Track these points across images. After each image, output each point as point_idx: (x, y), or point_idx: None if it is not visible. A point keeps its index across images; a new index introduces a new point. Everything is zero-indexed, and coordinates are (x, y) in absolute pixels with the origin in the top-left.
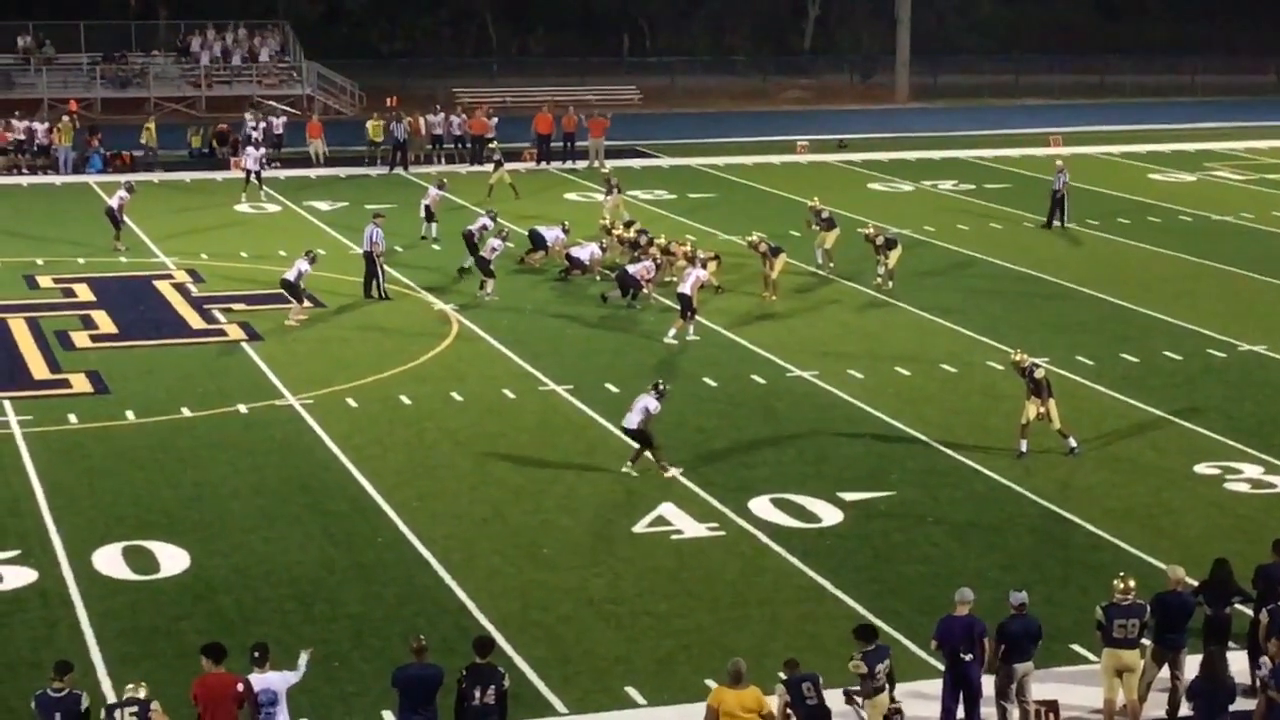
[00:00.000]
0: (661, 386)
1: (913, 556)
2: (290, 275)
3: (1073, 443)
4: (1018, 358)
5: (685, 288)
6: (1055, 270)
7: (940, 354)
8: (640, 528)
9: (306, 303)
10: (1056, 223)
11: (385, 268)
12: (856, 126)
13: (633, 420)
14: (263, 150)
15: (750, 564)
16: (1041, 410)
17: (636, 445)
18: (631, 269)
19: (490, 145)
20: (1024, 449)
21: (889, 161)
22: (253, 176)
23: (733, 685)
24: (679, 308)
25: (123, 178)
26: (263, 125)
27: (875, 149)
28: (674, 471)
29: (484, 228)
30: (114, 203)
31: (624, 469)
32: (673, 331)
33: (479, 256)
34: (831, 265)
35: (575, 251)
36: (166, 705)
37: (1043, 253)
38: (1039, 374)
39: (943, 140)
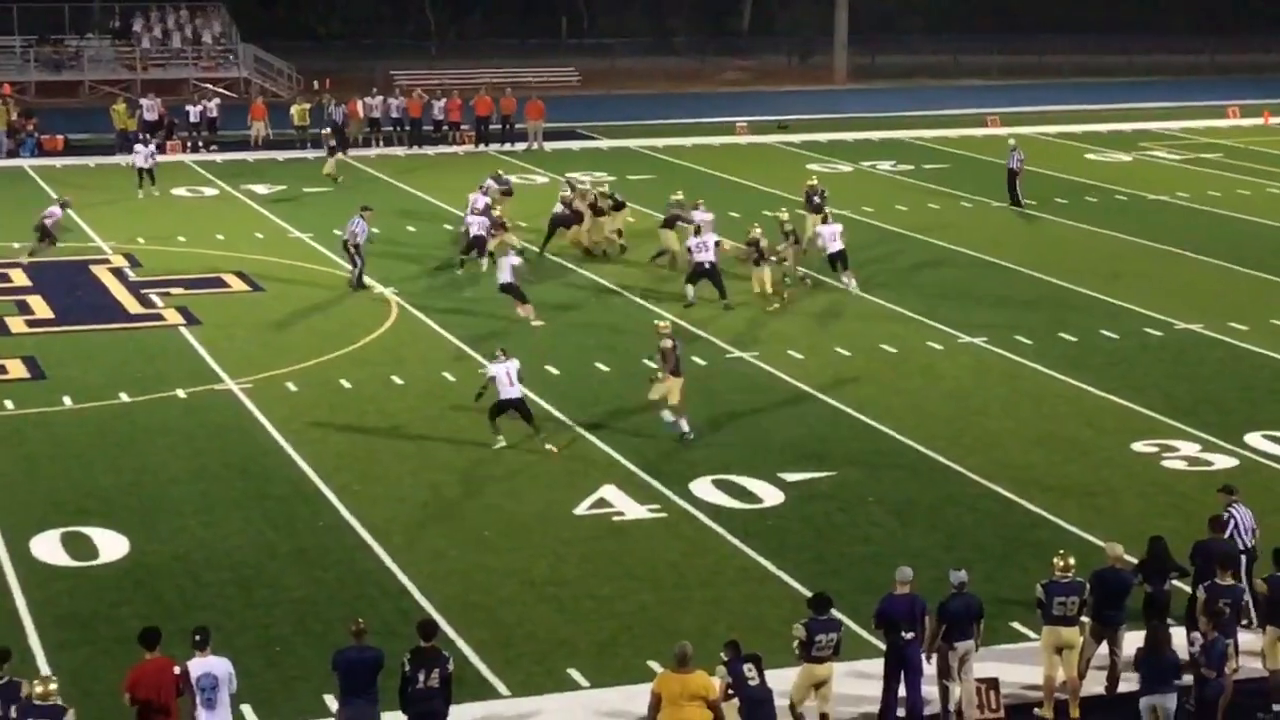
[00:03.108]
0: (498, 351)
1: (854, 536)
2: (505, 277)
3: (684, 426)
4: (663, 333)
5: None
6: (994, 250)
7: (880, 335)
8: (582, 510)
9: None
10: (1026, 200)
11: (359, 258)
12: (795, 107)
13: (518, 390)
14: (152, 146)
15: (692, 545)
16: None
17: (524, 418)
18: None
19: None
20: (686, 429)
21: (828, 142)
22: (144, 174)
23: (679, 669)
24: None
25: (58, 161)
26: (199, 109)
27: (814, 130)
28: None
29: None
30: (47, 220)
31: (547, 447)
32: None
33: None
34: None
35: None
36: (106, 693)
37: (981, 233)
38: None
39: (881, 121)
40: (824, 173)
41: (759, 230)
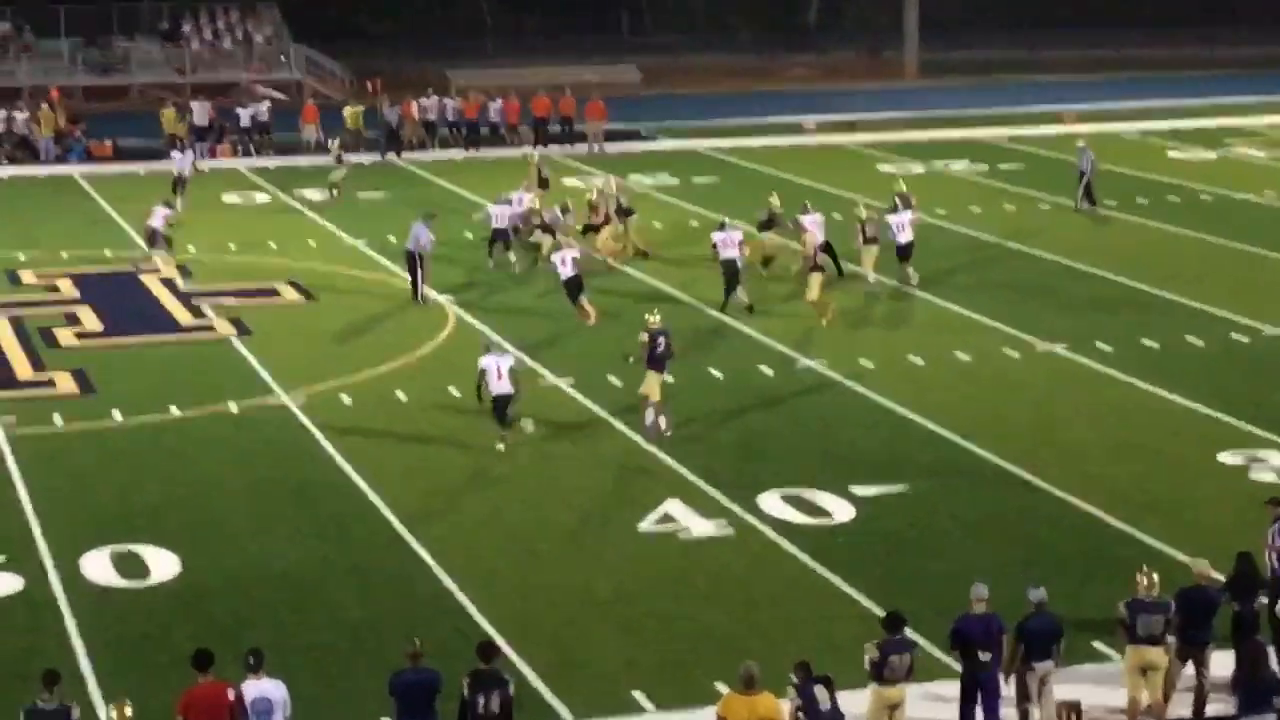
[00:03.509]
0: (489, 343)
1: (928, 553)
2: (567, 272)
3: (661, 424)
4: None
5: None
6: (1072, 253)
7: (954, 342)
8: (646, 526)
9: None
10: (1086, 204)
11: (422, 269)
12: (865, 105)
13: (507, 385)
14: (190, 154)
15: (760, 562)
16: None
17: (499, 416)
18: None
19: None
20: (663, 427)
21: (899, 142)
22: (179, 184)
23: (744, 691)
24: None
25: (106, 168)
26: (250, 112)
27: (885, 129)
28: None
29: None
30: (156, 223)
31: (498, 446)
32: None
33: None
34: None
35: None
36: (158, 718)
37: (1059, 235)
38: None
39: (955, 119)
40: (895, 174)
41: (866, 211)
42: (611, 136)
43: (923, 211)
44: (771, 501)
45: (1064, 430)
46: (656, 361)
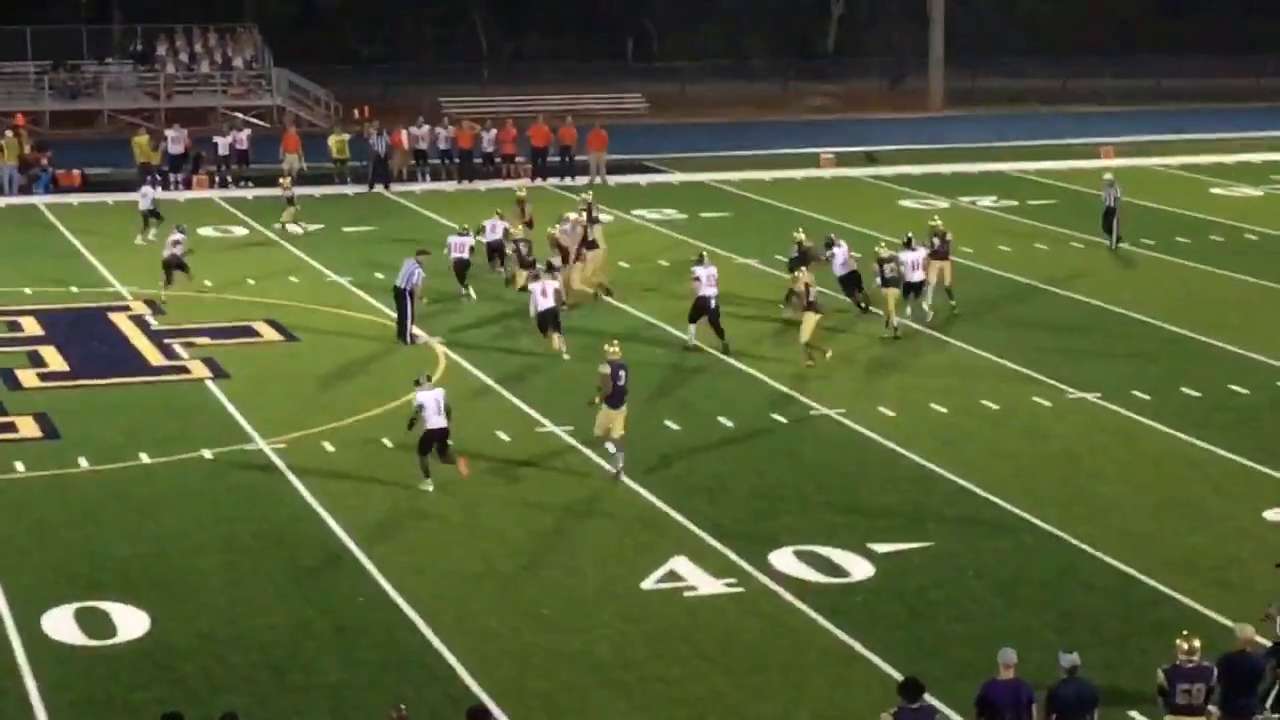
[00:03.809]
0: (420, 377)
1: (952, 614)
2: (542, 304)
3: (619, 462)
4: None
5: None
6: (1108, 295)
7: (980, 390)
8: (650, 584)
9: None
10: (1110, 239)
11: (411, 308)
12: (886, 137)
13: (443, 420)
14: (157, 186)
15: (772, 624)
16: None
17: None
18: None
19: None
20: (619, 465)
21: (922, 175)
22: (148, 218)
23: None
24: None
25: (74, 198)
26: (229, 140)
27: (907, 161)
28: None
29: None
30: (174, 251)
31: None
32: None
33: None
34: (951, 304)
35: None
36: None
37: (1093, 276)
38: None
39: (981, 151)
40: (919, 209)
41: (888, 252)
42: (615, 168)
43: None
44: (784, 559)
45: (1098, 484)
46: (617, 396)
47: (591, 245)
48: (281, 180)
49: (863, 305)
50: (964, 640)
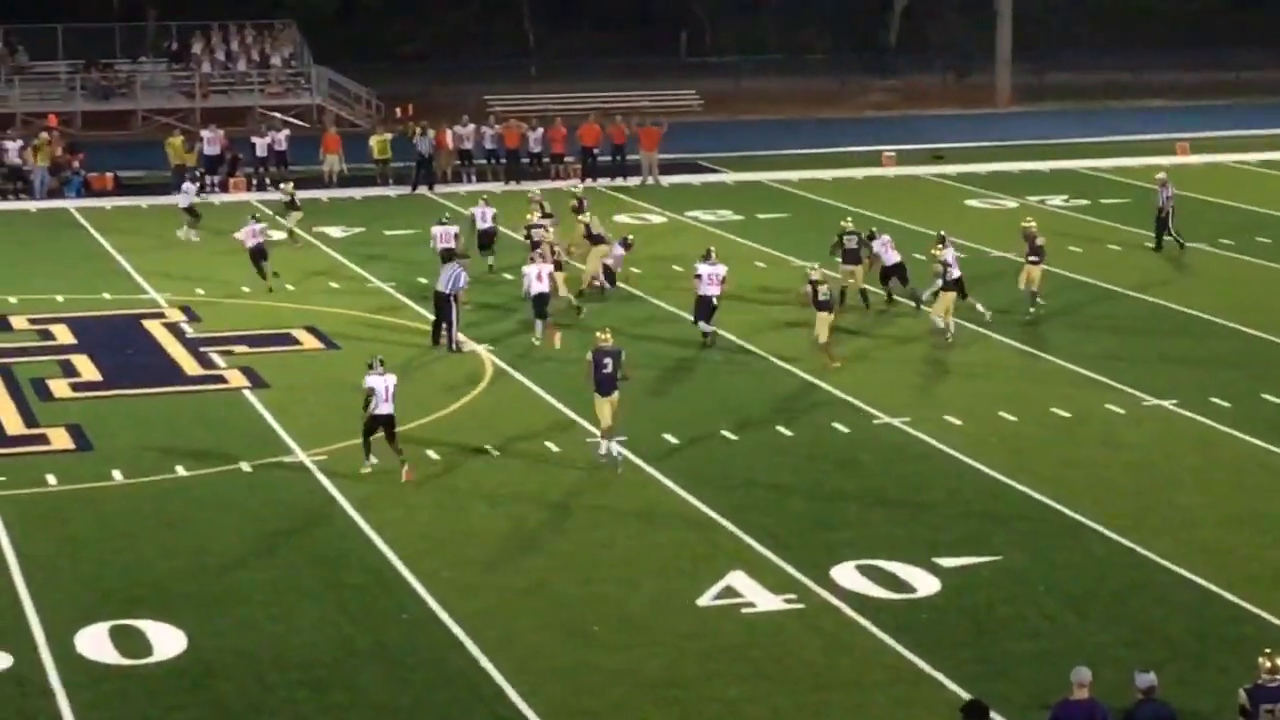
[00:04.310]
0: (374, 360)
1: (1022, 631)
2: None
3: (613, 450)
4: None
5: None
6: (1184, 299)
7: (1051, 397)
8: (706, 600)
9: None
10: (1169, 239)
11: (456, 315)
12: (951, 134)
13: (390, 407)
14: (197, 184)
15: (833, 641)
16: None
17: (388, 437)
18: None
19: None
20: (615, 454)
21: (989, 174)
22: (189, 213)
23: None
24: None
25: (106, 202)
26: (266, 140)
27: (973, 160)
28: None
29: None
30: (259, 240)
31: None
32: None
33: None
34: (1037, 305)
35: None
36: None
37: (1170, 279)
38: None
39: (1051, 149)
40: (985, 209)
41: (947, 254)
42: (667, 168)
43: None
44: (846, 573)
45: (1175, 494)
46: (603, 384)
47: (598, 240)
48: (283, 185)
49: (917, 301)
50: (1034, 658)
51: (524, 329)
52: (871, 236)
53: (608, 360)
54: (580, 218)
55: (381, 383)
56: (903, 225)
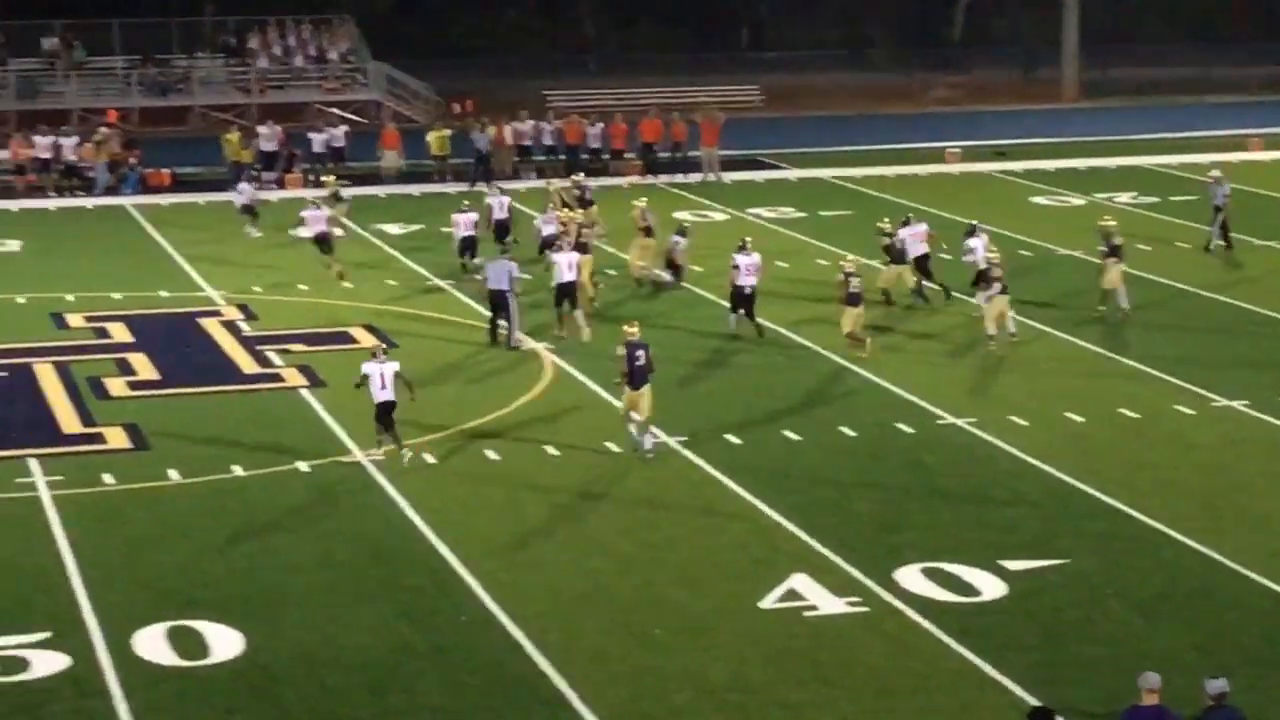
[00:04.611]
0: (376, 349)
1: (1090, 636)
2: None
3: (646, 442)
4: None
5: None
6: (1257, 297)
7: (1118, 397)
8: (768, 603)
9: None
10: (1220, 241)
11: (518, 311)
12: (1017, 130)
13: (389, 393)
14: (253, 183)
15: (898, 645)
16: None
17: (383, 425)
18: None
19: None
20: (648, 446)
21: (1055, 171)
22: (247, 211)
23: None
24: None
25: (163, 199)
26: (324, 136)
27: (1039, 156)
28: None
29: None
30: (323, 228)
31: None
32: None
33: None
34: (1124, 308)
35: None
36: None
37: (1241, 277)
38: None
39: (1119, 145)
40: (1051, 206)
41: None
42: (729, 164)
43: (1079, 249)
44: (911, 576)
45: (1245, 497)
46: (636, 376)
47: (647, 232)
48: (327, 178)
49: (946, 292)
50: (1103, 663)
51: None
52: (905, 223)
53: (639, 353)
54: (574, 212)
55: (378, 369)
56: (967, 222)
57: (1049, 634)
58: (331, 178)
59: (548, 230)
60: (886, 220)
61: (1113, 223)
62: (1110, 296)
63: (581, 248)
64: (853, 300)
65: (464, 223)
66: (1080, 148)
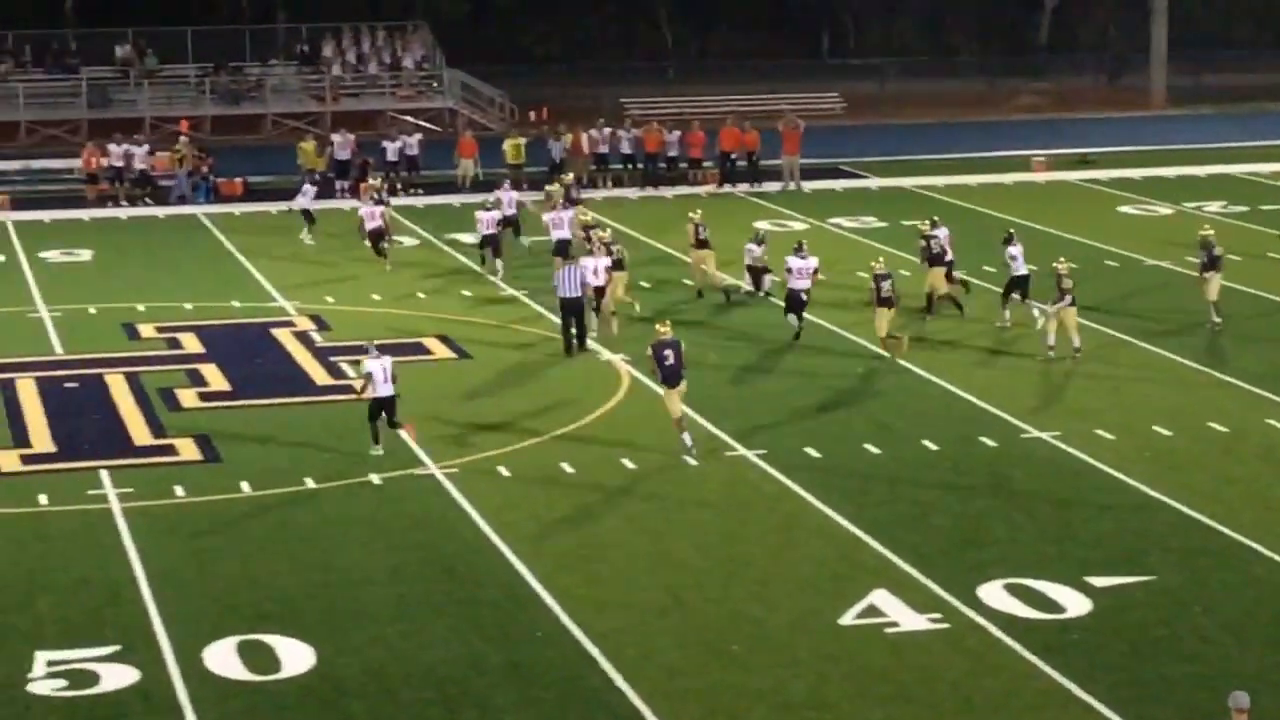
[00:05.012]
0: (369, 345)
1: (1178, 654)
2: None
3: (687, 440)
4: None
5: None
6: None
7: (1207, 410)
8: (848, 619)
9: None
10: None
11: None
12: (1103, 137)
13: (391, 388)
14: (316, 188)
15: (980, 663)
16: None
17: (387, 417)
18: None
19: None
20: (689, 444)
21: (1143, 179)
22: (306, 216)
23: None
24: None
25: (235, 208)
26: (397, 145)
27: (1126, 164)
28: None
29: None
30: (378, 223)
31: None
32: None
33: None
34: (1215, 320)
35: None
36: None
37: None
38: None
39: (1208, 153)
40: (1138, 216)
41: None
42: (810, 173)
43: (1167, 260)
44: (994, 593)
45: None
46: (669, 376)
47: (703, 244)
48: (372, 179)
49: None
50: (1191, 682)
51: (645, 334)
52: (934, 225)
53: (668, 352)
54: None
55: (379, 365)
56: (1051, 232)
57: (1135, 652)
58: (379, 180)
59: (559, 234)
60: (927, 222)
61: (1212, 233)
62: (1214, 308)
63: (618, 264)
64: (885, 302)
65: (487, 220)
66: (1168, 155)
